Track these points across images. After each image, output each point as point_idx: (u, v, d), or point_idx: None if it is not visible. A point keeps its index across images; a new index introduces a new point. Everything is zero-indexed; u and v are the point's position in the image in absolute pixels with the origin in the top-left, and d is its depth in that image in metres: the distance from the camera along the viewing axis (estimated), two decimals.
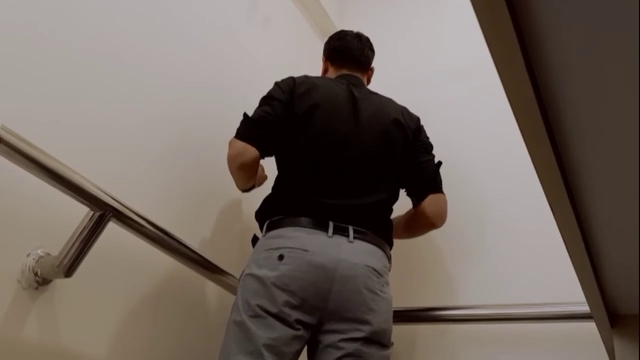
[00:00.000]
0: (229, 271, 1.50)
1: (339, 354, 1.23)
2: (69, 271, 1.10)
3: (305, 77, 1.55)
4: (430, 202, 1.51)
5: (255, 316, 1.22)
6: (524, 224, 1.66)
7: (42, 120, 1.23)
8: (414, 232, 1.61)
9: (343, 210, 1.35)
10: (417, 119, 1.60)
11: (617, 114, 0.47)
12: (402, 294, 1.73)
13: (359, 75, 1.64)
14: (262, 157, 1.46)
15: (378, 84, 2.15)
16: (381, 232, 1.39)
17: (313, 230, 1.31)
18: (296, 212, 1.34)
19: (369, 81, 1.72)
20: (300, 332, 1.24)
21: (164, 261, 1.43)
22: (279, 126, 1.45)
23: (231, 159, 1.45)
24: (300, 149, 1.43)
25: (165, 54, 1.60)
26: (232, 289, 1.51)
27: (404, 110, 1.58)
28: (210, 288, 1.51)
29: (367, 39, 1.71)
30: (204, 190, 1.66)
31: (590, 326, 1.03)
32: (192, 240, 1.41)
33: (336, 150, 1.42)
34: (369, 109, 1.50)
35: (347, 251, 1.30)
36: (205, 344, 1.54)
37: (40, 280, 1.15)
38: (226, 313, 1.58)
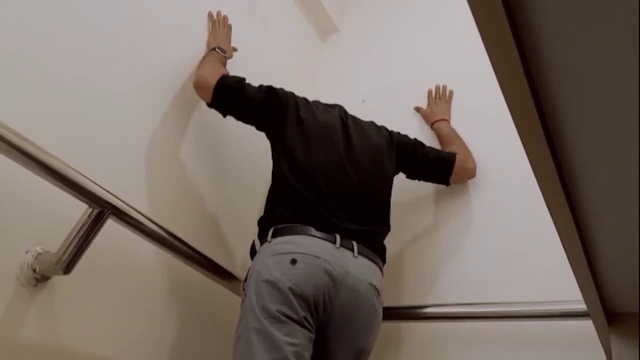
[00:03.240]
0: (228, 269, 1.50)
1: None
2: (67, 268, 1.10)
3: (305, 98, 1.61)
4: (455, 176, 1.72)
5: (277, 322, 1.19)
6: (520, 221, 1.66)
7: (41, 117, 1.23)
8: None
9: (345, 226, 1.37)
10: (394, 131, 1.70)
11: (615, 112, 0.47)
12: (395, 291, 1.73)
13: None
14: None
15: (378, 84, 2.16)
16: (379, 251, 1.43)
17: (322, 240, 1.31)
18: (304, 221, 1.34)
19: None
20: (313, 336, 1.24)
21: (163, 258, 1.43)
22: (248, 110, 1.53)
23: (196, 82, 1.56)
24: (301, 165, 1.43)
25: (165, 52, 1.60)
26: (231, 287, 1.51)
27: (382, 128, 1.67)
28: (209, 285, 1.51)
29: None
30: (203, 187, 1.67)
31: (587, 324, 1.03)
32: (191, 237, 1.41)
33: (334, 169, 1.45)
34: (357, 133, 1.57)
35: (354, 265, 1.32)
36: (204, 342, 1.55)
37: (39, 277, 1.15)
38: (224, 311, 1.59)
